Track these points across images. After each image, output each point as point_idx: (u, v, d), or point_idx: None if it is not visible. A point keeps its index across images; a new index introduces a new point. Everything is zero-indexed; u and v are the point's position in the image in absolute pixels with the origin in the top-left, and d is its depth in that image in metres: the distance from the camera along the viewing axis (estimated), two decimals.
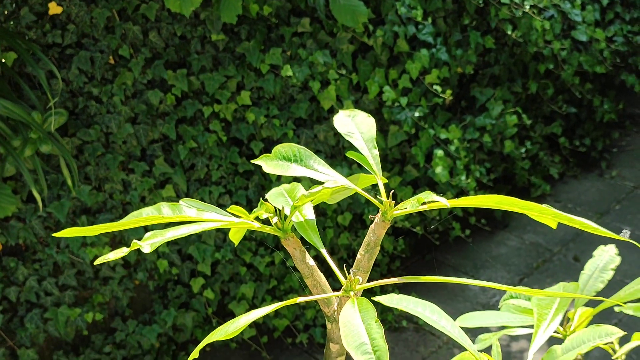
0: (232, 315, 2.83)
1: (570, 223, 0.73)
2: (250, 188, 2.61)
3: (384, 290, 3.11)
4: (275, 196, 0.86)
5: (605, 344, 1.20)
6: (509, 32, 3.16)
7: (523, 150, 3.40)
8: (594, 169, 4.12)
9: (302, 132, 2.67)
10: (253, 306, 2.77)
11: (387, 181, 0.80)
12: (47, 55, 2.29)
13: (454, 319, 0.73)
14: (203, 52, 2.50)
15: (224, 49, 2.52)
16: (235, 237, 0.97)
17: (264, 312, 0.75)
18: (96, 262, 0.76)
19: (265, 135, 2.62)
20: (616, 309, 1.15)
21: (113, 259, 0.74)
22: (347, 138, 0.88)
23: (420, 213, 3.14)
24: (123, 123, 2.39)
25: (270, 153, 0.83)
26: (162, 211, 0.77)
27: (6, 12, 2.21)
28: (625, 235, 0.86)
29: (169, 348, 2.71)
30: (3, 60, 2.21)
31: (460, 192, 3.24)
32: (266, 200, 0.84)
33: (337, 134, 2.74)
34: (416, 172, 2.99)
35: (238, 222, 0.78)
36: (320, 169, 0.84)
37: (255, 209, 0.84)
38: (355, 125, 0.92)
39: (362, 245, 0.81)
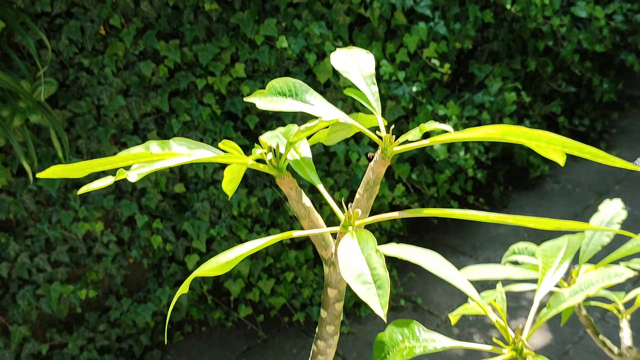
0: (227, 294, 2.79)
1: (579, 153, 0.68)
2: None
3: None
4: (270, 138, 0.82)
5: (611, 304, 1.16)
6: (508, 7, 3.11)
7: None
8: None
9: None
10: (249, 284, 2.73)
11: (386, 123, 0.76)
12: (36, 25, 2.23)
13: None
14: (196, 22, 2.44)
15: (218, 19, 2.47)
16: (228, 187, 0.93)
17: (259, 244, 0.70)
18: (80, 192, 0.71)
19: (260, 110, 2.57)
20: (622, 263, 1.11)
21: (98, 187, 0.69)
22: (344, 75, 0.84)
23: (418, 191, 3.10)
24: (115, 95, 2.33)
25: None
26: (151, 148, 0.73)
27: None
28: (638, 164, 0.80)
29: (164, 327, 2.66)
30: None
31: (459, 170, 3.19)
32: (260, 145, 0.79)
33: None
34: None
35: (229, 156, 0.73)
36: (317, 103, 0.80)
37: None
38: (353, 62, 0.88)
39: (361, 184, 0.76)
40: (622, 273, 0.92)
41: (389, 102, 2.80)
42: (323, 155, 2.70)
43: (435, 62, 2.80)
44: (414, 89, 2.78)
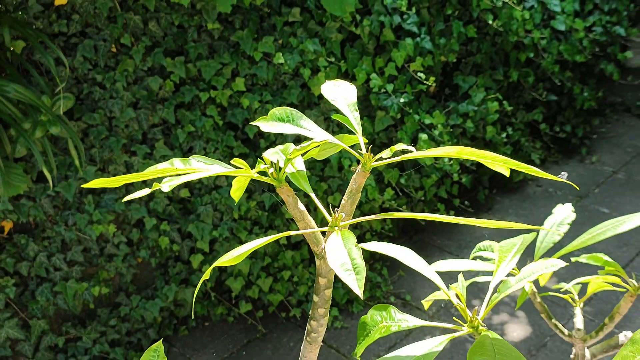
0: (229, 291, 2.99)
1: (517, 167, 0.89)
2: None
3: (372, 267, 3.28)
4: (271, 154, 1.02)
5: (565, 294, 1.37)
6: (490, 22, 3.33)
7: (504, 135, 3.57)
8: (574, 155, 4.30)
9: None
10: (249, 282, 2.93)
11: (366, 141, 0.96)
12: (53, 44, 2.44)
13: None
14: (199, 40, 2.65)
15: (219, 37, 2.68)
16: (235, 194, 1.13)
17: (264, 241, 0.90)
18: (124, 200, 0.92)
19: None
20: (572, 259, 1.32)
21: (139, 196, 0.90)
22: (332, 103, 1.05)
23: (406, 195, 3.31)
24: (125, 108, 2.54)
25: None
26: (174, 164, 0.93)
27: (14, 3, 2.36)
28: (563, 177, 1.03)
29: (170, 322, 2.87)
30: (12, 49, 2.36)
31: (445, 175, 3.40)
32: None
33: (327, 119, 2.90)
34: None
35: (240, 171, 0.93)
36: (310, 127, 1.00)
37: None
38: (339, 92, 1.09)
39: (346, 192, 0.97)
40: (556, 264, 1.13)
41: (379, 112, 3.01)
42: (317, 162, 2.91)
43: (422, 75, 3.02)
44: (402, 100, 2.99)
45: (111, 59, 2.54)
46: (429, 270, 1.12)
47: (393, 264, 3.33)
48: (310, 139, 0.92)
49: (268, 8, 2.71)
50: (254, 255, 2.89)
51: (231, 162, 0.97)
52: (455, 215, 3.52)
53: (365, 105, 3.05)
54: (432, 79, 3.00)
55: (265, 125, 1.01)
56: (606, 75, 4.39)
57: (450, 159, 3.21)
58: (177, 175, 0.93)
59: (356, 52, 2.95)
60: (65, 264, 2.57)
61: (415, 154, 0.93)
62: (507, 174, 1.01)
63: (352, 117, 1.06)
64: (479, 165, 3.70)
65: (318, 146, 1.08)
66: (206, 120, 2.67)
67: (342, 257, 0.78)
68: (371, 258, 3.33)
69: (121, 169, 2.59)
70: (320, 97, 2.87)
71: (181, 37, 2.63)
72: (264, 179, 0.94)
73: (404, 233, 3.55)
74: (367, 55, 3.00)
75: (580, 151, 4.28)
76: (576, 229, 1.28)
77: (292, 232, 0.95)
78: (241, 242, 2.85)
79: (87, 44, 2.47)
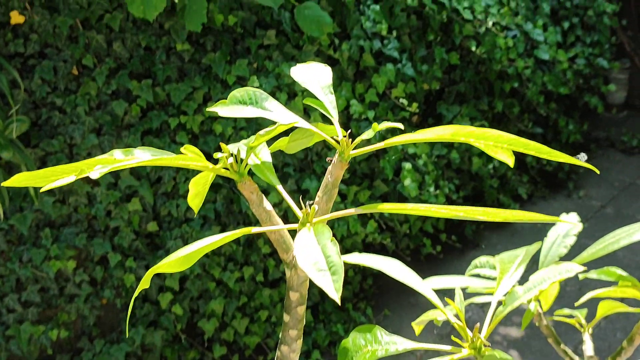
0: (202, 334, 2.77)
1: (525, 149, 0.73)
2: (219, 201, 2.58)
3: (356, 303, 3.08)
4: (234, 146, 0.86)
5: (572, 318, 1.19)
6: (474, 49, 3.21)
7: (491, 167, 3.42)
8: (561, 189, 4.17)
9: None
10: (223, 324, 2.71)
11: (345, 133, 0.81)
12: (9, 65, 2.26)
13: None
14: (168, 62, 2.49)
15: (190, 59, 2.52)
16: (194, 202, 0.95)
17: (220, 238, 0.74)
18: (42, 189, 0.73)
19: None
20: (580, 276, 1.14)
21: (60, 185, 0.73)
22: (303, 85, 0.89)
23: (390, 229, 3.13)
24: (87, 134, 2.36)
25: None
26: (114, 155, 0.77)
27: None
28: (582, 159, 0.85)
29: None
30: None
31: None
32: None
33: (305, 149, 2.72)
34: (385, 186, 2.98)
35: (189, 159, 0.77)
36: (276, 109, 0.84)
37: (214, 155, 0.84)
38: (312, 74, 0.93)
39: (320, 188, 0.80)
40: (572, 269, 0.95)
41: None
42: (294, 193, 2.73)
43: (404, 101, 2.87)
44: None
45: (72, 82, 2.37)
46: (421, 284, 0.94)
47: (378, 302, 3.13)
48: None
49: (242, 29, 2.56)
50: (228, 294, 2.68)
51: (181, 149, 0.81)
52: (442, 250, 3.34)
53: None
54: (414, 105, 2.86)
55: (224, 109, 0.85)
56: (590, 108, 4.30)
57: (436, 188, 3.04)
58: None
59: (335, 77, 2.80)
60: (19, 304, 2.35)
61: (400, 138, 0.77)
62: (510, 162, 0.84)
63: (327, 100, 0.90)
64: (465, 198, 3.54)
65: (288, 135, 0.93)
66: (176, 148, 2.49)
67: (314, 254, 0.63)
68: (354, 297, 3.13)
69: (82, 200, 2.40)
70: None
71: (148, 58, 2.46)
72: (222, 172, 0.78)
73: None
74: (347, 80, 2.86)
75: (567, 185, 4.15)
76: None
77: (254, 229, 0.77)
78: (214, 280, 2.64)
79: (46, 65, 2.30)
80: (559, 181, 4.18)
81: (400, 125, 0.80)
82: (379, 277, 3.24)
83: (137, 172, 2.48)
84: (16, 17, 2.27)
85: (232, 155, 0.82)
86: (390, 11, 2.97)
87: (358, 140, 0.81)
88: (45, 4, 2.28)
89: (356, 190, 2.88)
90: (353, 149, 0.80)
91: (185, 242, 2.55)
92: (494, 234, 3.75)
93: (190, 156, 0.78)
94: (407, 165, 2.87)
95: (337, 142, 0.81)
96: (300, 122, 0.81)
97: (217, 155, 0.86)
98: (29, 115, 2.30)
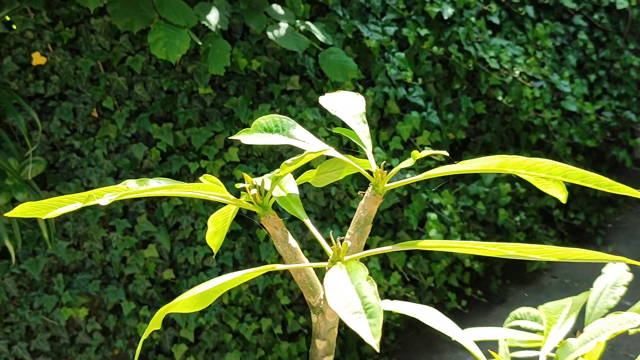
0: None
1: (582, 182, 0.65)
2: (237, 249, 2.50)
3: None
4: (257, 179, 0.80)
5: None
6: (500, 98, 3.15)
7: (517, 219, 3.32)
8: (589, 245, 4.03)
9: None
10: None
11: (380, 165, 0.74)
12: (29, 106, 2.22)
13: None
14: (190, 106, 2.44)
15: (212, 104, 2.47)
16: (213, 241, 0.88)
17: (241, 274, 0.67)
18: (46, 216, 0.67)
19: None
20: (631, 331, 1.05)
21: (65, 212, 0.66)
22: (333, 113, 0.85)
23: (414, 282, 3.02)
24: (105, 177, 2.30)
25: None
26: (128, 184, 0.71)
27: None
28: None
29: None
30: None
31: (456, 261, 3.13)
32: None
33: (327, 195, 2.65)
34: (409, 237, 2.89)
35: (209, 187, 0.71)
36: (305, 138, 0.78)
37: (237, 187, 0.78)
38: (343, 102, 0.87)
39: (351, 224, 0.73)
40: (635, 319, 0.86)
41: None
42: (315, 242, 2.65)
43: (429, 150, 2.80)
44: (408, 176, 2.76)
45: (91, 124, 2.32)
46: (461, 334, 0.85)
47: (405, 344, 3.00)
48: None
49: (265, 74, 2.51)
50: (245, 347, 2.57)
51: (200, 178, 0.74)
52: (467, 305, 3.22)
53: (368, 182, 2.81)
54: (440, 154, 2.78)
55: (249, 137, 0.79)
56: (618, 162, 4.20)
57: (462, 240, 2.94)
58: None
59: None
60: (28, 353, 2.25)
61: (442, 169, 0.70)
62: (563, 198, 0.76)
63: (360, 129, 0.84)
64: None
65: (315, 168, 0.86)
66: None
67: (347, 294, 0.56)
68: (374, 352, 3.00)
69: (97, 246, 2.32)
70: None
71: (170, 102, 2.42)
72: (244, 204, 0.72)
73: (411, 327, 3.23)
74: (371, 127, 2.79)
75: (595, 241, 4.02)
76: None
77: (279, 266, 0.70)
78: (231, 331, 2.54)
79: (66, 107, 2.26)
80: (587, 236, 4.05)
81: (445, 152, 0.72)
82: (402, 332, 3.12)
83: (154, 217, 2.42)
84: (38, 59, 2.24)
85: (255, 186, 0.75)
86: (416, 59, 2.92)
87: (394, 171, 0.74)
88: (67, 45, 2.25)
89: (379, 240, 2.78)
90: (388, 182, 0.73)
91: None
92: (521, 289, 3.62)
93: (208, 184, 0.71)
94: (433, 216, 2.77)
95: (371, 174, 0.75)
96: (331, 151, 0.74)
97: (239, 185, 0.79)
98: (46, 157, 2.24)
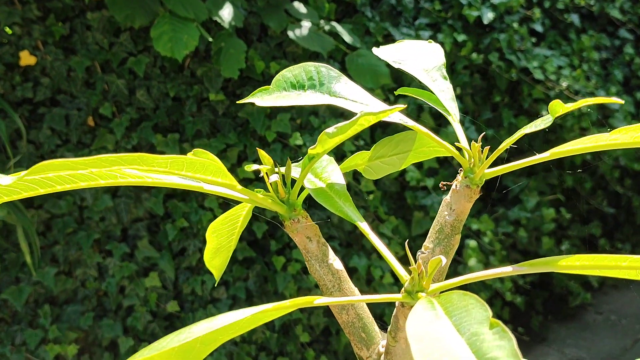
0: None
1: None
2: (251, 278, 2.20)
3: None
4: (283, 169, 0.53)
5: None
6: (544, 114, 2.84)
7: (563, 248, 3.00)
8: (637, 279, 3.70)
9: (313, 213, 2.28)
10: None
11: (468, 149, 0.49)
12: (15, 112, 1.95)
13: None
14: (199, 114, 2.16)
15: (224, 113, 2.18)
16: (214, 263, 0.66)
17: (259, 310, 0.37)
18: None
19: (270, 216, 2.23)
20: None
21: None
22: (396, 66, 0.56)
23: None
24: (101, 195, 2.01)
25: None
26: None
27: None
28: None
29: None
30: None
31: (495, 295, 2.81)
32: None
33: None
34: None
35: (198, 164, 0.44)
36: (356, 95, 0.52)
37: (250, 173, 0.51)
38: (411, 51, 0.61)
39: (429, 234, 0.48)
40: None
41: (416, 213, 2.47)
42: None
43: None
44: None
45: (86, 134, 2.04)
46: None
47: None
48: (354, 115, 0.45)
49: None
50: None
51: (189, 154, 0.46)
52: None
53: (400, 204, 2.51)
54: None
55: (267, 99, 0.53)
56: None
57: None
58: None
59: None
60: None
61: (575, 144, 0.48)
62: None
63: (439, 87, 0.59)
64: (533, 284, 3.10)
65: (365, 145, 0.54)
66: (203, 214, 2.13)
67: (454, 353, 0.31)
68: None
69: (92, 273, 2.03)
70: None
71: (176, 110, 2.13)
72: (259, 199, 0.50)
73: None
74: None
75: None
76: None
77: (320, 300, 0.42)
78: None
79: (57, 113, 1.98)
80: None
81: (618, 100, 0.46)
82: None
83: (157, 241, 2.12)
84: (26, 58, 1.97)
85: (277, 172, 0.48)
86: (452, 68, 2.63)
87: (503, 145, 0.49)
88: (60, 43, 1.98)
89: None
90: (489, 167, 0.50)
91: None
92: (563, 326, 3.29)
93: (196, 160, 0.42)
94: (472, 243, 2.46)
95: (461, 153, 0.52)
96: (397, 115, 0.49)
97: (249, 167, 0.54)
98: None
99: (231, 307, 2.19)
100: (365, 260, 2.32)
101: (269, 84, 1.79)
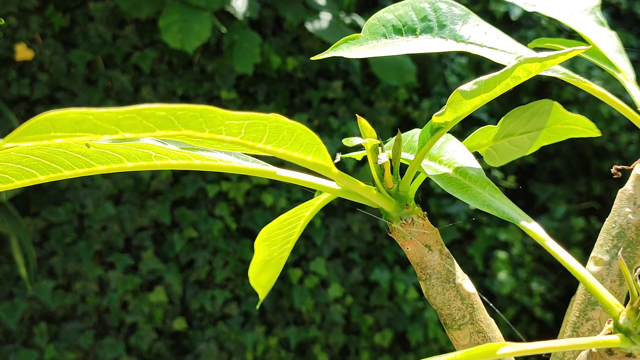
0: None
1: None
2: None
3: None
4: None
5: None
6: None
7: None
8: None
9: (332, 222, 2.12)
10: None
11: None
12: (11, 111, 1.79)
13: None
14: None
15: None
16: (259, 280, 0.55)
17: None
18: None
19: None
20: None
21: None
22: (529, 9, 0.55)
23: None
24: (102, 201, 1.85)
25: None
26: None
27: None
28: None
29: None
30: None
31: (522, 310, 2.64)
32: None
33: (374, 228, 2.18)
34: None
35: (288, 133, 0.27)
36: (493, 42, 0.37)
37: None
38: None
39: (600, 241, 0.44)
40: None
41: (441, 221, 2.30)
42: (360, 286, 2.17)
43: (497, 174, 2.33)
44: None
45: None
46: None
47: None
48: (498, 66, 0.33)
49: (302, 74, 2.06)
50: None
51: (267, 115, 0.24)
52: None
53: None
54: (511, 178, 2.32)
55: (358, 50, 0.44)
56: None
57: (531, 290, 2.45)
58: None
59: None
60: None
61: None
62: None
63: (599, 35, 0.44)
64: (562, 297, 2.93)
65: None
66: (214, 223, 1.97)
67: None
68: None
69: (92, 287, 1.87)
70: None
71: None
72: (362, 189, 0.38)
73: None
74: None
75: None
76: None
77: (506, 350, 0.30)
78: None
79: None
80: None
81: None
82: None
83: (163, 252, 1.96)
84: (23, 52, 1.81)
85: (382, 149, 0.32)
86: (478, 67, 2.47)
87: None
88: (60, 35, 1.82)
89: None
90: None
91: (221, 346, 1.98)
92: None
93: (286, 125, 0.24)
94: (502, 255, 2.29)
95: None
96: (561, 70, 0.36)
97: (349, 141, 0.39)
98: None
99: (243, 325, 2.02)
100: (387, 274, 2.15)
101: (284, 83, 1.59)
